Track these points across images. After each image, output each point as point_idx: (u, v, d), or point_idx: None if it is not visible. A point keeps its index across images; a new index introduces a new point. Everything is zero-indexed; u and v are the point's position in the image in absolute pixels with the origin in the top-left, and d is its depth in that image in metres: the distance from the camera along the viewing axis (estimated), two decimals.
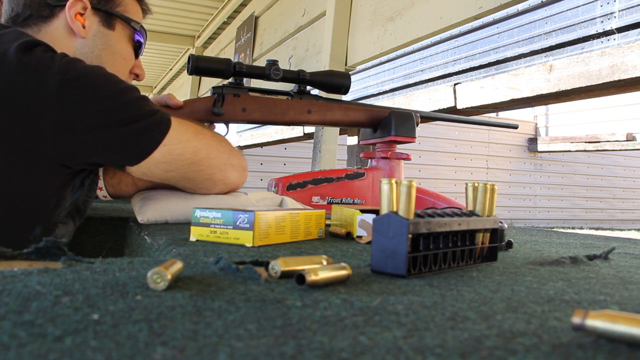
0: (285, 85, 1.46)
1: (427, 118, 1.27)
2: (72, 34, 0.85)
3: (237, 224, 0.58)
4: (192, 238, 0.61)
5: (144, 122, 0.74)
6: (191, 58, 1.00)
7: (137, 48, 0.94)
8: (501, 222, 0.55)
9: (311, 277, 0.35)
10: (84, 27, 0.85)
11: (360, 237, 0.68)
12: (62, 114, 0.69)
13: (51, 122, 0.69)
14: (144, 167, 0.77)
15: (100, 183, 0.90)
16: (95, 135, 0.72)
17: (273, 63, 1.04)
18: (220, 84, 1.04)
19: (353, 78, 1.13)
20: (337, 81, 1.10)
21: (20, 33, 0.78)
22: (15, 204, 0.73)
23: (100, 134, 0.72)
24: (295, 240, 0.65)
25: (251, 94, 1.05)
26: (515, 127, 1.41)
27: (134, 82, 0.95)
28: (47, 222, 0.76)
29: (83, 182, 0.80)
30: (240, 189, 0.93)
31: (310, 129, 2.61)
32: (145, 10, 0.96)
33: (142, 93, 0.79)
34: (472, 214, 0.50)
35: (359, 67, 2.56)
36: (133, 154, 0.76)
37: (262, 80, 1.07)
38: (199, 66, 1.00)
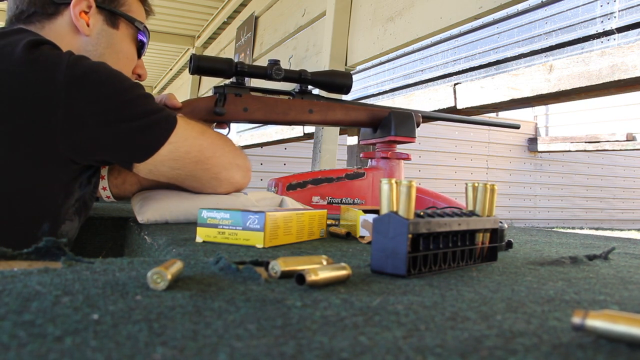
0: (285, 85, 1.46)
1: (428, 118, 1.27)
2: (76, 31, 0.85)
3: (247, 224, 0.57)
4: (199, 239, 0.60)
5: (151, 119, 0.75)
6: (193, 58, 1.00)
7: (140, 48, 0.95)
8: (501, 222, 0.55)
9: (311, 277, 0.35)
10: (88, 25, 0.86)
11: (362, 237, 0.68)
12: (71, 109, 0.70)
13: (61, 118, 0.70)
14: (150, 164, 0.77)
15: (104, 183, 0.90)
16: (103, 131, 0.73)
17: (275, 63, 1.04)
18: (222, 84, 1.04)
19: (353, 78, 1.13)
20: (339, 81, 1.10)
21: (25, 31, 0.78)
22: (24, 200, 0.73)
23: (108, 129, 0.73)
24: (300, 240, 0.65)
25: (253, 93, 1.05)
26: (517, 127, 1.41)
27: None
28: (55, 219, 0.76)
29: (90, 179, 0.81)
30: (243, 190, 0.94)
31: (310, 129, 2.60)
32: (148, 11, 0.97)
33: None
34: (472, 214, 0.50)
35: (359, 67, 2.55)
36: (140, 151, 0.76)
37: (263, 80, 1.07)
38: (200, 66, 1.00)
